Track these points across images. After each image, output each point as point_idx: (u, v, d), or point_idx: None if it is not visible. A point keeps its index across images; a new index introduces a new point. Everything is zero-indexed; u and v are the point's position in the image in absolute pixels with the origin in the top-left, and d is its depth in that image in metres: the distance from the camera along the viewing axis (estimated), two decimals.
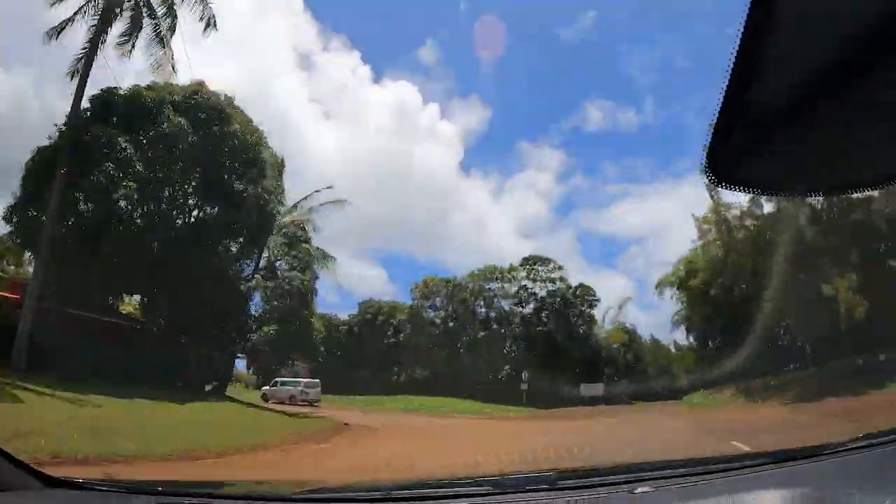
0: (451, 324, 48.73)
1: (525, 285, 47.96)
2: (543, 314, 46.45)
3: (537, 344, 43.34)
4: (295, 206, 31.88)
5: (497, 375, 44.72)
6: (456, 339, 47.82)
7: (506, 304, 48.45)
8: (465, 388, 40.31)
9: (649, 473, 2.13)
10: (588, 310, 46.90)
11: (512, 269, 49.25)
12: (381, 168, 67.30)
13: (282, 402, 30.76)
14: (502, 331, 47.50)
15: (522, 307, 47.49)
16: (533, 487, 2.11)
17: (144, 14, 21.33)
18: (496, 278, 49.75)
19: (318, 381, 35.57)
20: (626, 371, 45.00)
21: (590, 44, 67.35)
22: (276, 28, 77.48)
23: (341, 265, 49.47)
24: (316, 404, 31.94)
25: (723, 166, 0.94)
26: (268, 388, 34.40)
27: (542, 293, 47.00)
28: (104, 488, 2.09)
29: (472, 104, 77.28)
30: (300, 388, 33.99)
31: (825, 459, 2.20)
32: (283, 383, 34.69)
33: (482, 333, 47.27)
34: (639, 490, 1.92)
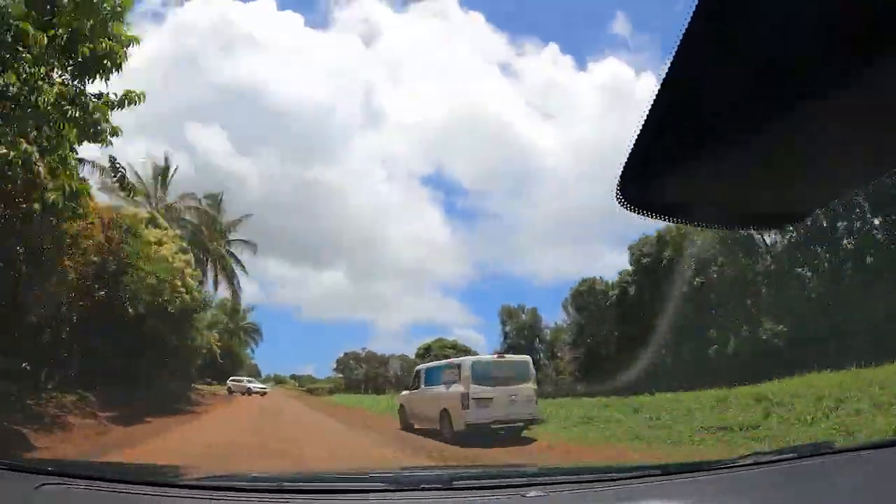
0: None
1: None
2: None
3: None
4: None
5: None
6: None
7: None
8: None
9: (541, 478, 2.52)
10: None
11: None
12: (614, 153, 52.40)
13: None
14: None
15: None
16: (427, 486, 2.35)
17: None
18: None
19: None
20: None
21: None
22: (470, 51, 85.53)
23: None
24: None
25: (636, 189, 1.06)
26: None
27: None
28: None
29: None
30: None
31: (713, 474, 2.55)
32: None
33: None
34: (531, 494, 2.15)
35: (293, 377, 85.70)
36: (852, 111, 0.86)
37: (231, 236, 50.17)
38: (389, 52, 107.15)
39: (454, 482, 2.35)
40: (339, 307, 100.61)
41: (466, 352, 52.87)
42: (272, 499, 2.22)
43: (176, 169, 44.00)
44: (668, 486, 2.43)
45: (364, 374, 57.57)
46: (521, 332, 58.21)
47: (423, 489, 2.32)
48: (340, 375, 60.46)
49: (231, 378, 48.01)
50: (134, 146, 58.53)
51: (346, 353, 60.71)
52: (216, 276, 48.21)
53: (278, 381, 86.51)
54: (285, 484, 2.35)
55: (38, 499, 2.10)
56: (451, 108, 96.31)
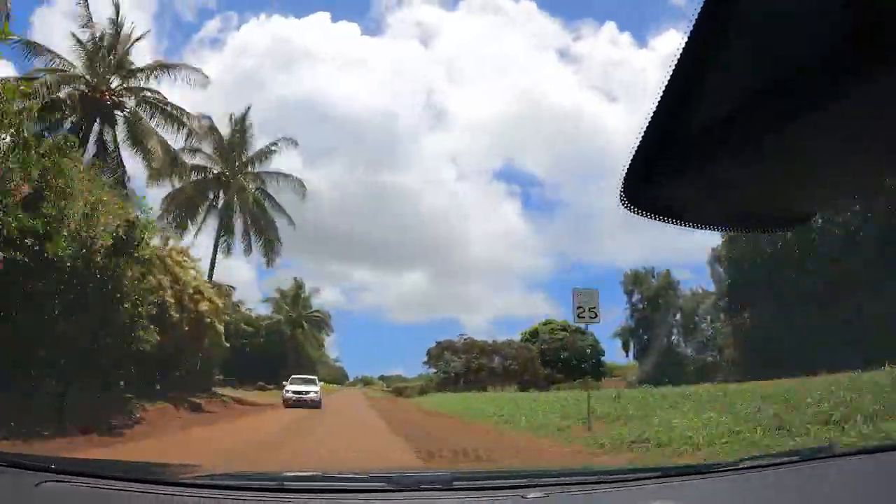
0: None
1: None
2: None
3: None
4: None
5: None
6: None
7: None
8: None
9: (542, 480, 2.55)
10: None
11: None
12: None
13: None
14: None
15: None
16: (428, 486, 2.44)
17: None
18: None
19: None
20: None
21: None
22: (526, 41, 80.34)
23: None
24: None
25: (639, 191, 1.07)
26: None
27: None
28: None
29: None
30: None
31: (713, 477, 2.63)
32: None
33: None
34: (531, 495, 2.20)
35: (381, 378, 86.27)
36: (861, 113, 0.88)
37: (263, 167, 40.04)
38: (446, 52, 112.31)
39: (454, 483, 2.43)
40: (422, 308, 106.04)
41: (581, 333, 43.81)
42: (274, 498, 2.31)
43: (139, 34, 30.21)
44: (668, 489, 2.52)
45: (463, 367, 49.51)
46: (653, 300, 50.05)
47: (424, 490, 2.41)
48: (433, 370, 53.64)
49: (294, 378, 35.20)
50: None
51: (438, 343, 54.19)
52: (245, 223, 38.22)
53: (366, 382, 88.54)
54: (287, 483, 2.45)
55: (39, 496, 2.18)
56: (513, 101, 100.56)
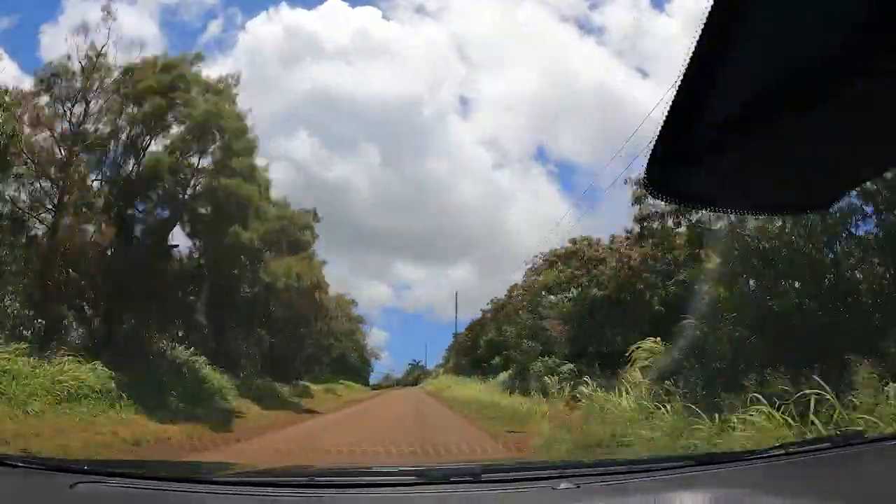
0: None
1: None
2: None
3: None
4: None
5: None
6: None
7: None
8: None
9: (572, 471, 2.49)
10: None
11: None
12: None
13: None
14: None
15: None
16: (457, 479, 2.45)
17: None
18: None
19: None
20: None
21: None
22: (539, 15, 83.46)
23: None
24: None
25: (663, 177, 1.10)
26: None
27: None
28: (24, 465, 2.53)
29: None
30: None
31: (746, 464, 2.66)
32: None
33: None
34: (561, 486, 2.21)
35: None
36: (884, 98, 0.88)
37: None
38: (461, 35, 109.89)
39: (484, 475, 2.40)
40: (471, 302, 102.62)
41: None
42: (304, 493, 2.34)
43: None
44: (700, 477, 2.49)
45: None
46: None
47: (453, 482, 2.41)
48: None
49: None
50: None
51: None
52: None
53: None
54: (316, 478, 2.44)
55: (73, 497, 2.22)
56: (540, 81, 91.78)
